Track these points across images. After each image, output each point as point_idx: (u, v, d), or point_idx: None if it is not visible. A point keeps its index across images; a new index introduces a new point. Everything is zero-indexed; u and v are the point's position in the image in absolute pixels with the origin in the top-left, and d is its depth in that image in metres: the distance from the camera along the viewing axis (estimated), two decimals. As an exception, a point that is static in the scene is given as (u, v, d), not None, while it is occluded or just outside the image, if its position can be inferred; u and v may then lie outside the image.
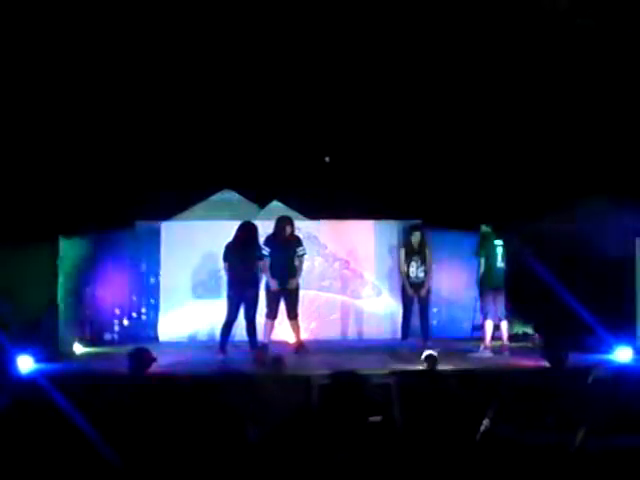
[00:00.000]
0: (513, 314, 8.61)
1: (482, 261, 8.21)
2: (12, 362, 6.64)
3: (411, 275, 8.42)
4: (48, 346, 7.75)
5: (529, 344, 8.88)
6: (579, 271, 8.46)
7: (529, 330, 9.36)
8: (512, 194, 9.25)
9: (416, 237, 8.51)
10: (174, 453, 3.81)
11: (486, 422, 4.19)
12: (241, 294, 7.91)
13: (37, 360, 6.92)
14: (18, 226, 8.21)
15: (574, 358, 7.02)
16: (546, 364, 6.90)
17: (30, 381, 6.16)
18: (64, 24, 7.92)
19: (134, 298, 9.82)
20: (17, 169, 8.57)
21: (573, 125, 8.87)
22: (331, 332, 9.81)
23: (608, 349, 7.42)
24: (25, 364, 6.70)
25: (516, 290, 8.69)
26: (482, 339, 8.27)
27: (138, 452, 3.94)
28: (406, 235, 8.85)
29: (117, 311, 9.66)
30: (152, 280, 9.83)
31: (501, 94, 9.07)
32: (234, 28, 8.47)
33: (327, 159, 10.57)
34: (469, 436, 4.12)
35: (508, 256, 8.32)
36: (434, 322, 9.33)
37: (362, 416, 4.64)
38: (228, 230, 8.20)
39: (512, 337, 8.53)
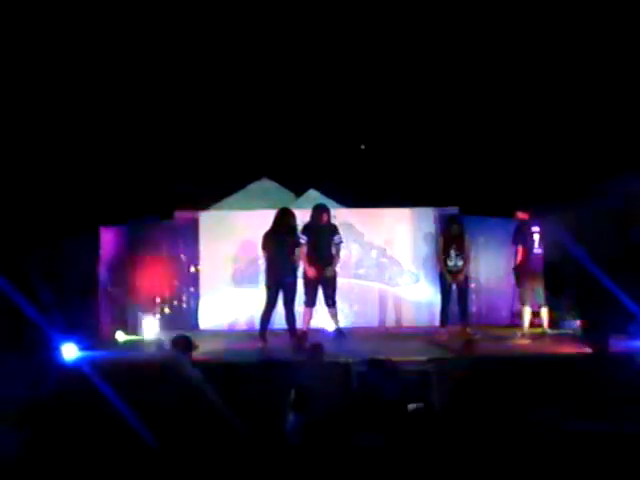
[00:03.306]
0: (553, 300, 8.51)
1: (519, 248, 8.15)
2: (56, 350, 6.78)
3: (449, 263, 8.39)
4: (91, 334, 7.90)
5: (570, 330, 8.79)
6: (619, 256, 8.34)
7: (569, 316, 9.25)
8: (549, 179, 9.16)
9: (455, 226, 8.46)
10: (214, 439, 3.87)
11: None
12: (280, 282, 7.95)
13: (81, 348, 7.06)
14: (61, 217, 8.38)
15: (616, 344, 6.95)
16: (588, 350, 6.83)
17: (74, 368, 6.28)
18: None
19: (175, 287, 9.95)
20: (59, 161, 8.74)
21: (610, 108, 8.74)
22: (369, 320, 9.82)
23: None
24: (69, 352, 6.83)
25: (555, 276, 8.61)
26: (521, 326, 8.22)
27: (179, 438, 4.02)
28: (445, 224, 8.80)
29: (158, 299, 9.80)
30: (192, 269, 9.93)
31: (538, 79, 8.98)
32: (270, 18, 8.51)
33: (363, 147, 10.56)
34: (507, 422, 4.11)
35: (546, 242, 8.24)
36: (473, 309, 9.28)
37: (401, 402, 4.67)
38: (266, 219, 8.23)
39: (552, 323, 8.45)
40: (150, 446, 3.88)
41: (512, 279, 8.71)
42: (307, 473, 3.46)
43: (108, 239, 8.83)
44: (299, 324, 8.16)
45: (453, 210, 9.61)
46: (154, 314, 9.63)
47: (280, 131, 9.91)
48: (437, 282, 8.85)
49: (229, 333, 9.35)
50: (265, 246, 8.08)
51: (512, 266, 8.40)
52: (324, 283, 8.29)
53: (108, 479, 3.70)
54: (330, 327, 8.56)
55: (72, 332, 7.12)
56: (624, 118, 8.61)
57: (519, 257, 8.17)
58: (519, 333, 8.13)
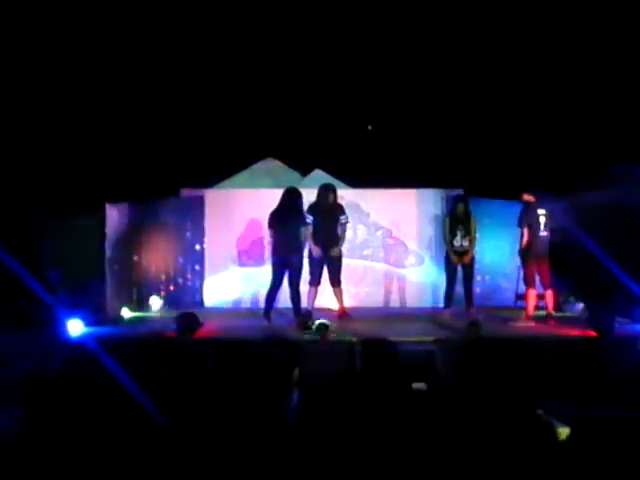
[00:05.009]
0: (558, 283, 8.51)
1: (525, 230, 8.14)
2: (63, 326, 6.82)
3: (455, 244, 8.39)
4: (96, 311, 7.94)
5: (574, 313, 8.80)
6: (624, 240, 8.32)
7: (574, 299, 9.25)
8: (556, 162, 9.12)
9: (461, 207, 8.46)
10: (218, 416, 3.89)
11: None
12: (285, 261, 7.96)
13: (86, 324, 7.10)
14: (67, 195, 8.40)
15: (620, 328, 6.96)
16: (592, 333, 6.84)
17: (80, 344, 6.32)
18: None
19: (180, 264, 9.95)
20: (66, 139, 8.74)
21: (617, 95, 8.69)
22: (374, 300, 9.84)
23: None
24: (75, 328, 6.88)
25: (561, 259, 8.59)
26: (525, 308, 8.22)
27: (184, 414, 4.04)
28: (452, 205, 8.79)
29: (163, 277, 9.81)
30: (197, 247, 9.93)
31: (544, 62, 8.93)
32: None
33: (370, 127, 10.53)
34: (510, 405, 4.12)
35: (552, 225, 8.22)
36: (477, 290, 9.29)
37: (405, 382, 4.68)
38: (271, 198, 8.23)
39: (557, 306, 8.45)
40: (156, 421, 3.90)
41: (517, 261, 8.71)
42: (308, 453, 3.47)
43: (114, 216, 8.84)
44: (304, 303, 8.18)
45: (459, 191, 9.60)
46: (159, 291, 9.67)
47: (287, 111, 9.89)
48: (442, 263, 8.85)
49: (234, 311, 9.39)
50: (271, 225, 8.09)
51: (517, 248, 8.39)
52: (329, 263, 8.31)
53: (112, 455, 3.72)
54: (335, 307, 8.58)
55: (78, 308, 7.16)
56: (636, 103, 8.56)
57: (525, 239, 8.14)
58: (523, 315, 8.14)
